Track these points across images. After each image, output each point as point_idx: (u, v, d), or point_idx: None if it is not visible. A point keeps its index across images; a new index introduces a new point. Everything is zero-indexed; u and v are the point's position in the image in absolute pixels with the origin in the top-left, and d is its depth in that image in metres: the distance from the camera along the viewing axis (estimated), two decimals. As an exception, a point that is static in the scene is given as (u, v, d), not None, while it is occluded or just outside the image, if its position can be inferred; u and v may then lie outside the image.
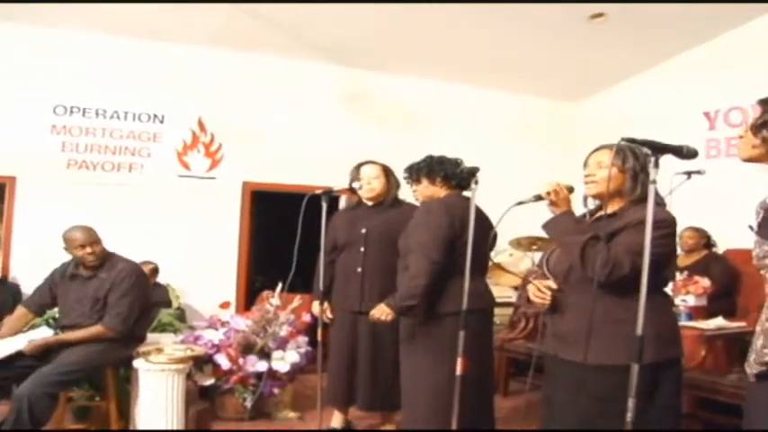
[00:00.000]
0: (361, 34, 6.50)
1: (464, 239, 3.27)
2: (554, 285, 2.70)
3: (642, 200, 2.51)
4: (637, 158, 2.59)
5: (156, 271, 6.02)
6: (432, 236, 3.53)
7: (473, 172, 3.31)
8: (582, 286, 2.56)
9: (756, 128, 2.12)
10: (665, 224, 2.48)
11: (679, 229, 5.61)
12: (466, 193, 3.66)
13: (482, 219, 3.61)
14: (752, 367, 2.17)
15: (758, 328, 2.19)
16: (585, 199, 2.81)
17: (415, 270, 3.52)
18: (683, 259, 5.80)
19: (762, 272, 2.21)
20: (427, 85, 7.63)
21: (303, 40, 6.57)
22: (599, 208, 2.76)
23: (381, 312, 3.69)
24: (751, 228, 2.27)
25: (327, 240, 4.20)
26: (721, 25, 6.50)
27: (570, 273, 2.64)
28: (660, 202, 2.62)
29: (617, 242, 2.49)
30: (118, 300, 4.05)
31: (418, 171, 3.79)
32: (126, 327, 4.06)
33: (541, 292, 2.72)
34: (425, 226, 3.58)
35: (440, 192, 3.75)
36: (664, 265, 2.51)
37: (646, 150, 2.29)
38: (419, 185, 3.81)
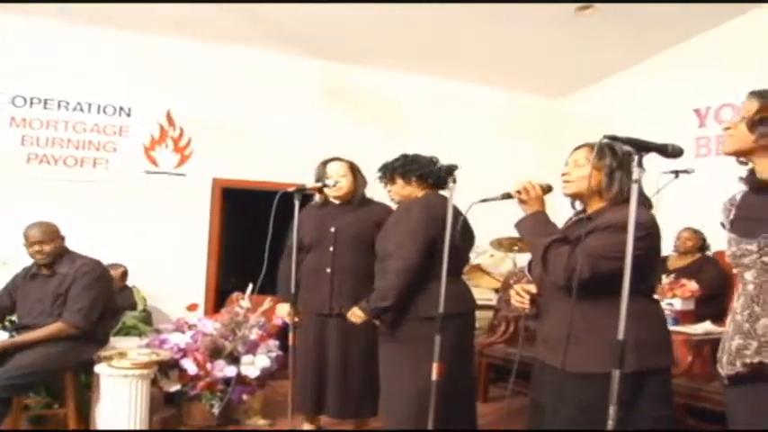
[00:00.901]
0: (340, 26, 6.47)
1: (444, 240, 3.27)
2: (534, 290, 2.73)
3: (623, 200, 2.51)
4: (614, 156, 2.58)
5: (125, 274, 5.98)
6: (411, 237, 3.54)
7: (451, 170, 3.31)
8: (559, 290, 2.56)
9: (754, 123, 2.14)
10: (642, 227, 2.41)
11: (675, 229, 5.70)
12: (443, 192, 3.66)
13: (459, 218, 3.62)
14: (725, 368, 2.21)
15: (730, 328, 2.23)
16: (573, 200, 2.82)
17: (391, 271, 3.55)
18: (675, 261, 5.83)
19: (736, 270, 2.25)
20: (408, 79, 7.64)
21: (278, 30, 6.54)
22: (585, 209, 2.75)
23: (354, 316, 3.72)
24: (723, 225, 2.31)
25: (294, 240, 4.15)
26: (712, 20, 6.55)
27: (543, 276, 2.64)
28: (644, 204, 2.60)
29: (582, 245, 2.46)
30: (78, 294, 4.02)
31: (393, 171, 3.80)
32: (87, 323, 4.02)
33: (521, 296, 2.74)
34: (404, 227, 3.60)
35: (416, 191, 3.76)
36: (642, 270, 2.43)
37: (627, 148, 2.29)
38: (394, 186, 3.82)
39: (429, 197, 3.69)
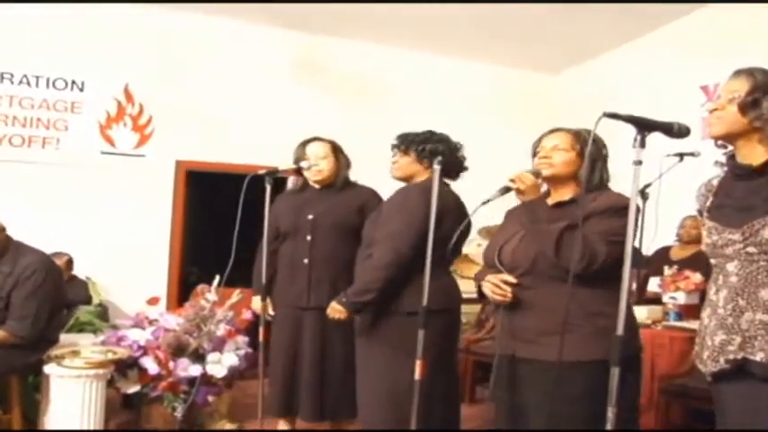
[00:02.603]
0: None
1: (442, 232, 3.28)
2: (512, 279, 2.77)
3: (597, 187, 2.76)
4: (595, 144, 2.74)
5: (70, 264, 5.91)
6: (405, 226, 3.51)
7: (435, 152, 3.32)
8: (547, 278, 2.68)
9: (746, 105, 2.17)
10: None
11: (679, 217, 5.71)
12: (447, 179, 3.69)
13: (459, 207, 3.61)
14: (708, 365, 2.28)
15: (711, 322, 2.29)
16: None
17: (377, 261, 3.52)
18: (678, 251, 5.86)
19: (715, 261, 2.31)
20: (391, 53, 7.62)
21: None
22: (546, 194, 2.89)
23: (333, 312, 3.67)
24: (700, 213, 2.37)
25: (269, 228, 4.15)
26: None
27: (536, 264, 2.71)
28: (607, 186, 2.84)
29: (590, 231, 2.61)
30: (24, 301, 3.96)
31: (410, 143, 3.73)
32: (35, 331, 3.97)
33: (501, 288, 2.76)
34: (400, 214, 3.57)
35: (422, 174, 3.71)
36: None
37: (599, 140, 2.60)
38: (404, 158, 3.75)
39: (430, 183, 3.64)
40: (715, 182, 2.39)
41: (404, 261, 3.49)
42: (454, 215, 3.45)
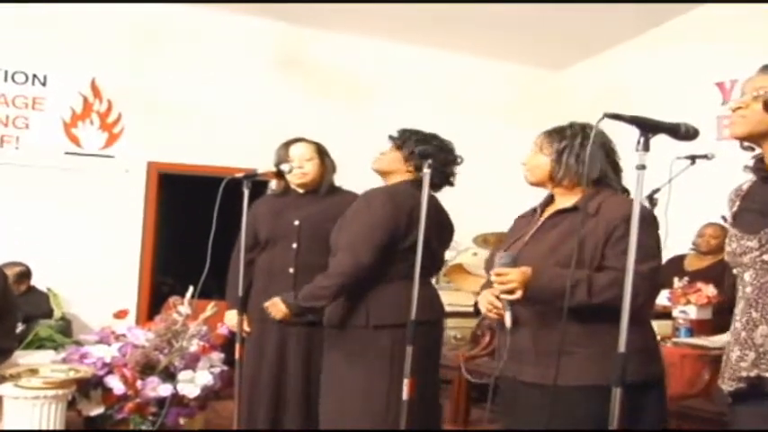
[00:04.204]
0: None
1: (413, 238, 3.27)
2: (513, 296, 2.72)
3: (597, 186, 2.70)
4: (563, 138, 2.75)
5: (24, 275, 5.88)
6: (365, 234, 3.52)
7: (425, 154, 3.30)
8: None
9: None
10: (654, 219, 2.54)
11: (690, 224, 5.71)
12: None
13: (437, 212, 3.60)
14: (726, 383, 2.26)
15: (731, 338, 2.28)
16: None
17: (333, 269, 3.54)
18: (693, 261, 5.83)
19: (736, 271, 2.30)
20: (383, 48, 7.65)
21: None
22: (550, 198, 2.88)
23: (274, 307, 3.70)
24: (724, 219, 2.40)
25: (247, 235, 4.13)
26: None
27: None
28: (615, 187, 2.77)
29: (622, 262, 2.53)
30: None
31: (407, 139, 3.72)
32: None
33: (497, 306, 2.70)
34: (363, 221, 3.57)
35: (399, 174, 3.71)
36: None
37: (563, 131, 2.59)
38: (394, 152, 3.74)
39: (400, 186, 3.65)
40: (745, 186, 2.37)
41: (364, 270, 3.49)
42: (431, 220, 3.41)
